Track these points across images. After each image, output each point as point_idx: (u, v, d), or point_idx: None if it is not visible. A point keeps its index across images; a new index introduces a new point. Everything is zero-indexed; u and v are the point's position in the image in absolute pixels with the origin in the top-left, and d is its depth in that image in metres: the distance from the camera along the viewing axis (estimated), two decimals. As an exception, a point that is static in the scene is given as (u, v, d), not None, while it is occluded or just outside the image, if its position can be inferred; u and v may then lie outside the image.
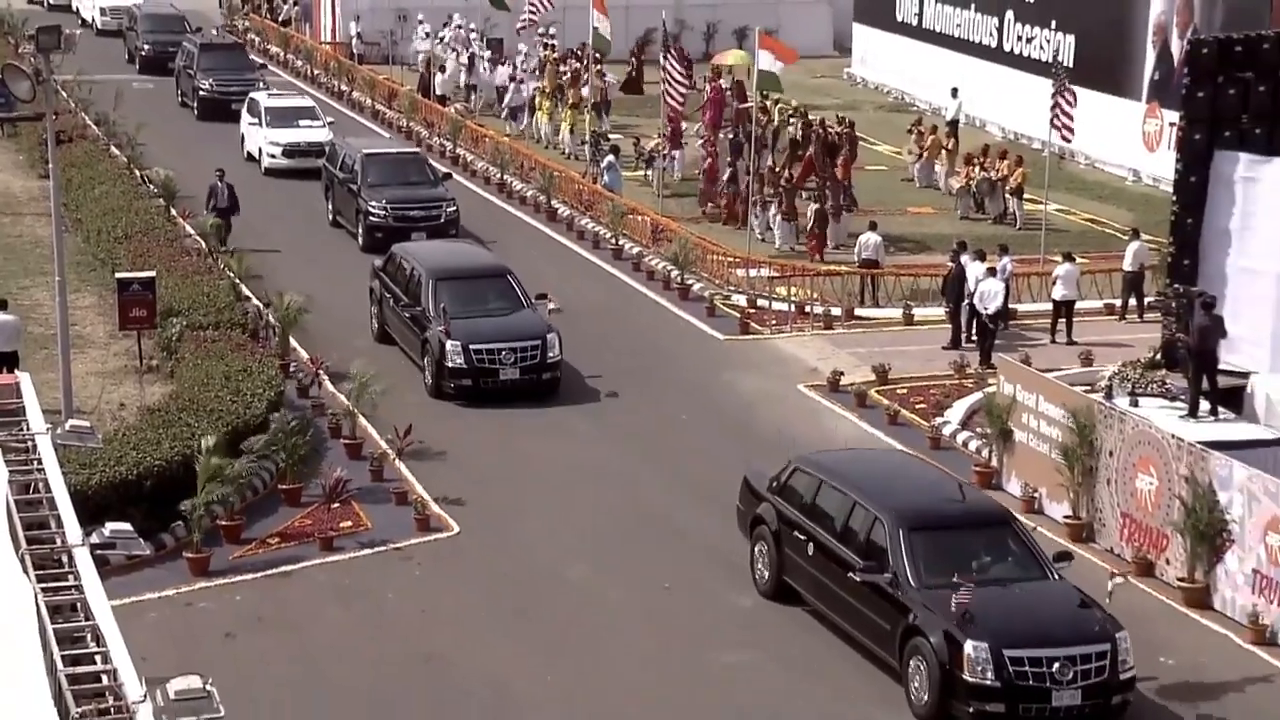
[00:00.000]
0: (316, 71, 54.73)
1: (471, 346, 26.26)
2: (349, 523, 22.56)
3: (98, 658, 10.64)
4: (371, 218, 34.47)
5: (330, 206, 36.84)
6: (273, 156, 40.84)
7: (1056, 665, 17.15)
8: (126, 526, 13.19)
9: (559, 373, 26.85)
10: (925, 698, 17.48)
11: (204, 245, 33.14)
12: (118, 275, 27.58)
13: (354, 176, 35.32)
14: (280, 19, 62.28)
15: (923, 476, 21.07)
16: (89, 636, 10.84)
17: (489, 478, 24.20)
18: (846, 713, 18.25)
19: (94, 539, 12.38)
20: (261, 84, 46.57)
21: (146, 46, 53.88)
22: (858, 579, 18.39)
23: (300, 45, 57.41)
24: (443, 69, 49.91)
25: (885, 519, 18.67)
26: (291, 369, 27.74)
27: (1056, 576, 18.59)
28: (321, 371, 27.47)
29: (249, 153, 41.91)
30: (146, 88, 51.47)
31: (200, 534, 21.30)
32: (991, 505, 20.39)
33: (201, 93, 47.31)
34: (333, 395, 26.74)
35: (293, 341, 28.73)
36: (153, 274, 27.30)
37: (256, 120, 41.75)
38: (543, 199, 38.84)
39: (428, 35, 50.77)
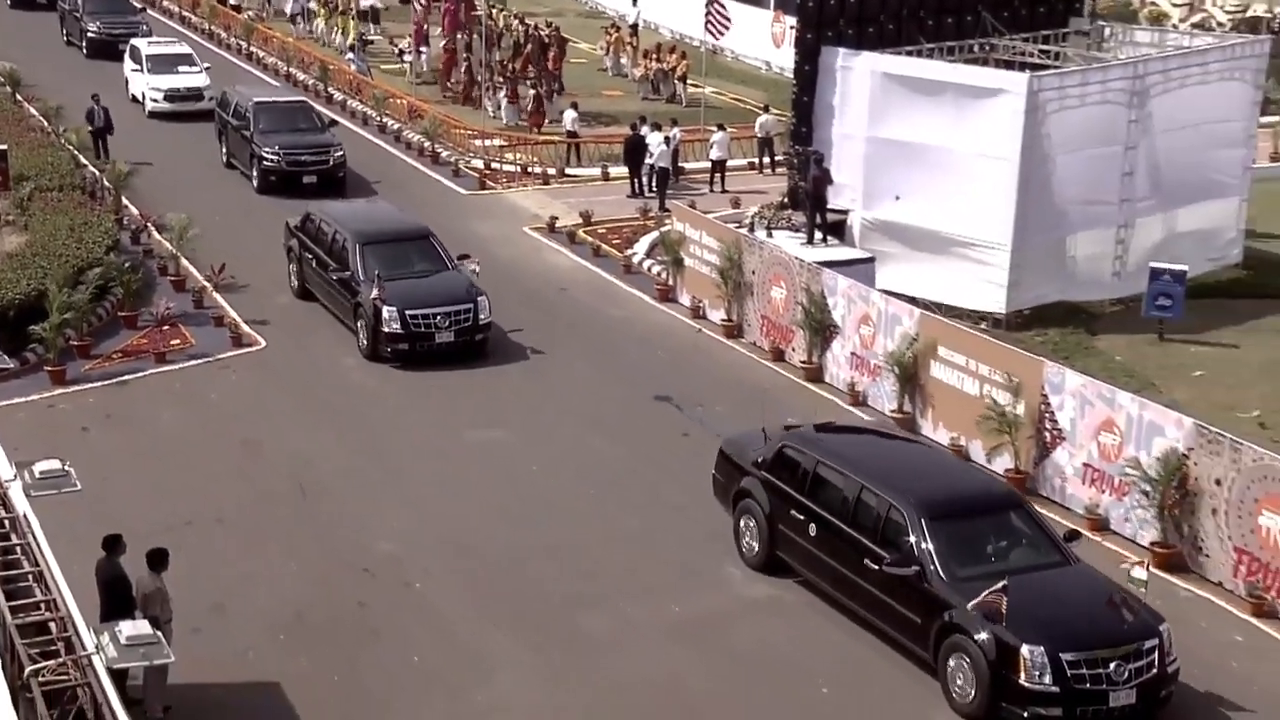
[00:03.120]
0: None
1: (408, 312, 21.07)
2: (177, 341, 21.85)
3: (-25, 448, 10.18)
4: (265, 162, 28.95)
5: (224, 149, 30.92)
6: (155, 101, 34.53)
7: (1113, 665, 12.97)
8: (-6, 347, 12.56)
9: (489, 333, 21.81)
10: (973, 697, 13.24)
11: (46, 124, 31.22)
12: (-26, 149, 25.85)
13: (246, 123, 29.68)
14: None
15: (921, 456, 16.22)
16: (-33, 433, 10.35)
17: (288, 304, 23.61)
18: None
19: (-33, 357, 11.77)
20: (144, 27, 40.96)
21: None
22: (884, 571, 13.95)
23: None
24: (237, -20, 47.25)
25: (903, 508, 14.04)
26: (124, 222, 26.47)
27: (1074, 559, 14.19)
28: (150, 223, 26.33)
29: (133, 95, 35.35)
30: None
31: (57, 352, 20.53)
32: (1001, 486, 15.82)
33: (90, 34, 40.32)
34: (159, 242, 25.66)
35: (124, 200, 27.39)
36: (4, 147, 25.77)
37: (139, 67, 35.36)
38: (320, 86, 37.55)
39: None
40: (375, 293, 21.02)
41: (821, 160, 24.32)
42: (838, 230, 24.63)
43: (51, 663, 9.30)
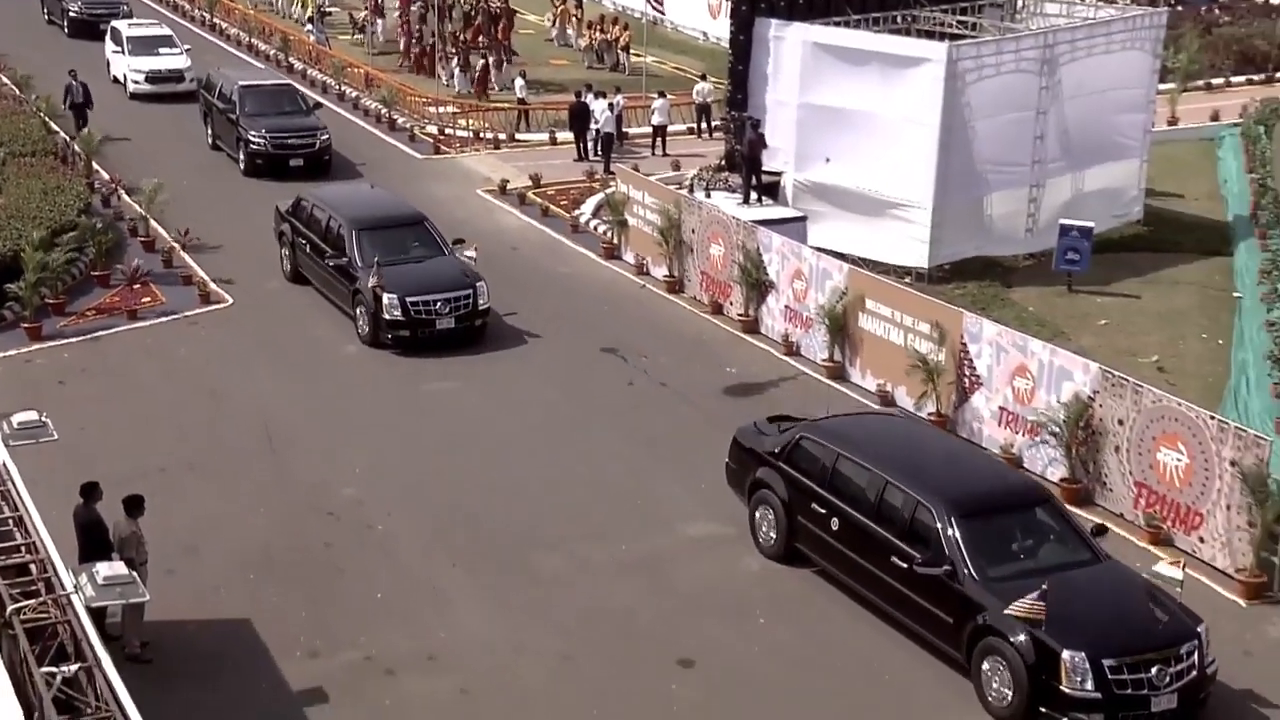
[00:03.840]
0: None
1: (409, 299, 19.77)
2: (148, 299, 21.57)
3: (-45, 401, 10.01)
4: (252, 146, 27.39)
5: (210, 131, 29.38)
6: (137, 83, 32.88)
7: (1155, 670, 11.92)
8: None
9: (488, 318, 20.54)
10: (1010, 701, 12.20)
11: (17, 91, 30.51)
12: (-51, 117, 25.22)
13: (232, 106, 28.07)
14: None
15: (942, 448, 14.68)
16: (-54, 386, 10.17)
17: (253, 262, 23.31)
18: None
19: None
20: (124, 7, 38.49)
21: None
22: (914, 570, 12.86)
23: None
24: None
25: (933, 507, 12.89)
26: (95, 186, 26.00)
27: (1104, 556, 13.14)
28: (119, 187, 25.87)
29: (114, 77, 33.74)
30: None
31: (33, 310, 20.23)
32: (1028, 480, 14.53)
33: (71, 14, 38.96)
34: (129, 205, 25.24)
35: (95, 165, 26.89)
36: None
37: (119, 49, 33.67)
38: (281, 56, 36.98)
39: None
40: (375, 279, 19.75)
41: (757, 125, 24.29)
42: (772, 191, 24.64)
43: (32, 601, 9.23)
